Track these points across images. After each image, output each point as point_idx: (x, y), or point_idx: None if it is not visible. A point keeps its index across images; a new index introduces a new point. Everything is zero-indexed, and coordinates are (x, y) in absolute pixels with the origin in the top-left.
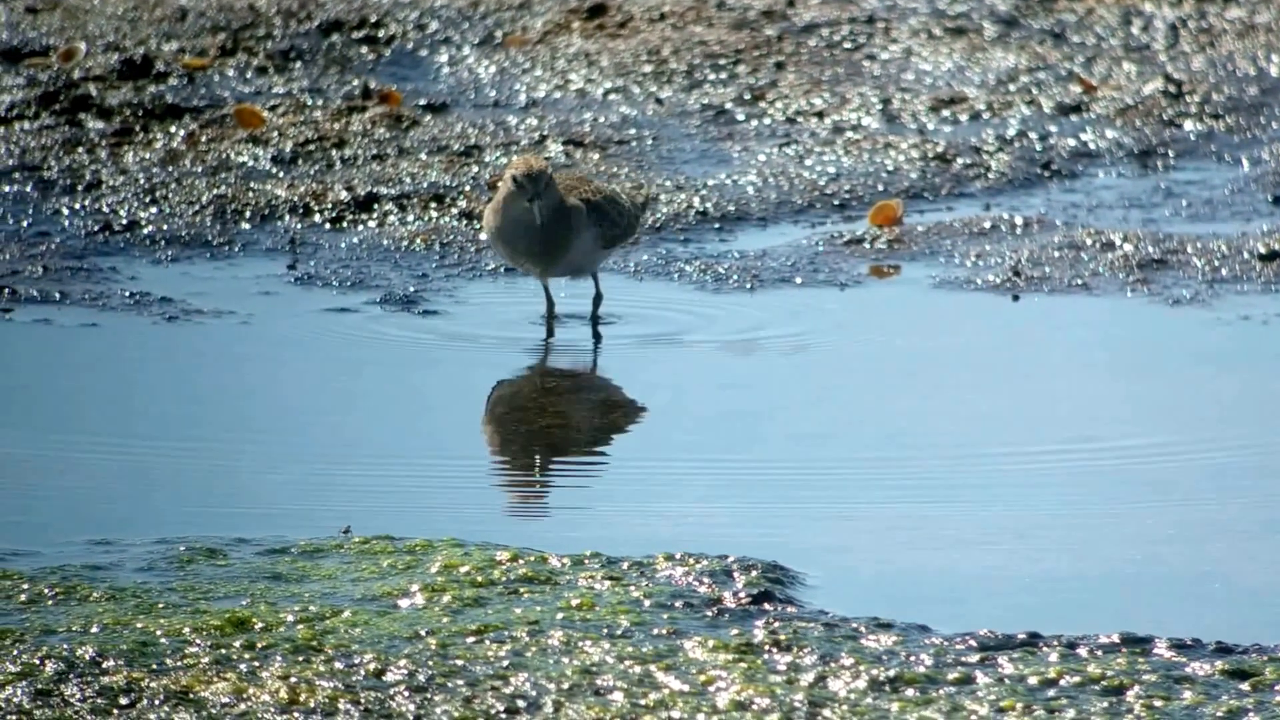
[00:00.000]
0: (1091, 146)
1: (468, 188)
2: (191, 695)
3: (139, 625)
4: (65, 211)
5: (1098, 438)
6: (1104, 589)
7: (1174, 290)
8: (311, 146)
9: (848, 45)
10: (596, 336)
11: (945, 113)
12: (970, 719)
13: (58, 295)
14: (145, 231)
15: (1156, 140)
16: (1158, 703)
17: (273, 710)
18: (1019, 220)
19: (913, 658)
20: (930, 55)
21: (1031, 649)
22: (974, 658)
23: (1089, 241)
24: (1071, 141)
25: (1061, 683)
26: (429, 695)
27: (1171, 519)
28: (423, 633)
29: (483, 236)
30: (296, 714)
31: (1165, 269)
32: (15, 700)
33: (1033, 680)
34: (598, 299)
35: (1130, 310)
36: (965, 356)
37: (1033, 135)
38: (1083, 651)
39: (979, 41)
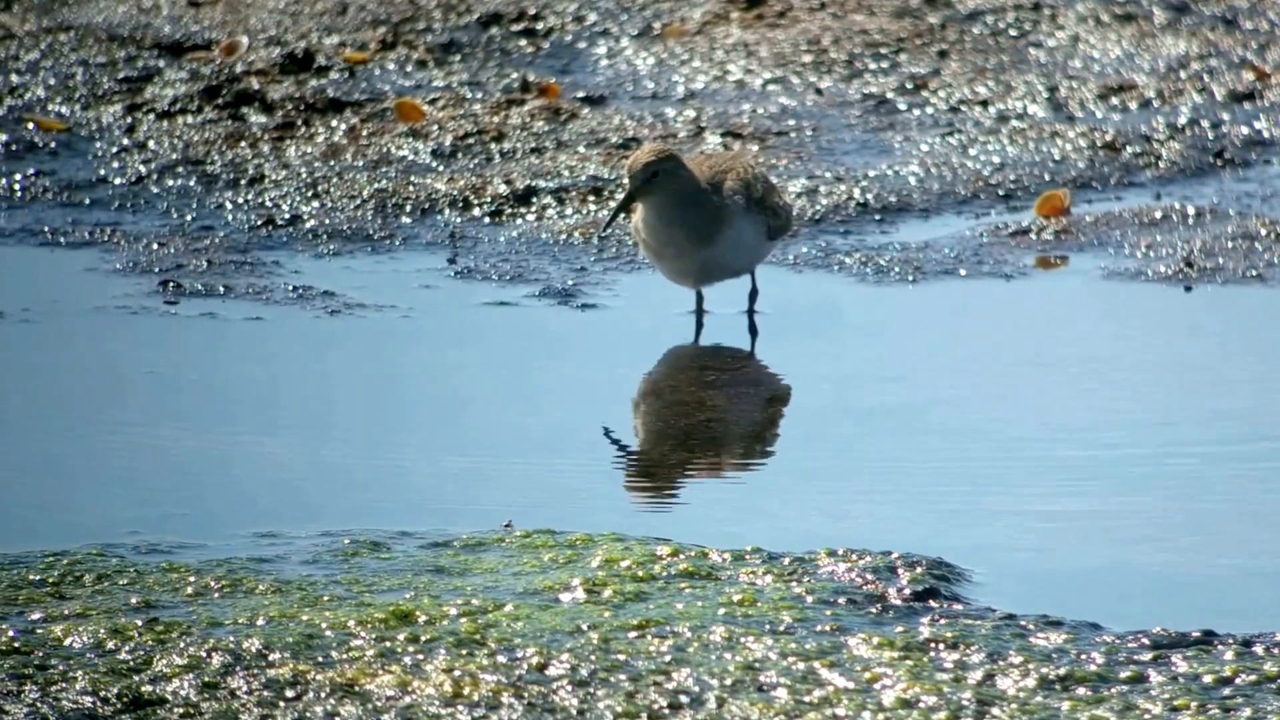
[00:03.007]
0: (1265, 135)
1: (625, 180)
2: (356, 688)
3: (304, 618)
4: (228, 205)
5: (1275, 432)
6: None
7: None
8: (471, 140)
9: (1013, 32)
10: (753, 331)
11: (1114, 100)
12: (1143, 718)
13: (222, 289)
14: (307, 225)
15: None
16: None
17: (437, 703)
18: (1191, 210)
19: (1084, 656)
20: (1098, 42)
21: (1206, 647)
22: (1147, 656)
23: (1263, 231)
24: (1244, 129)
25: (1237, 681)
26: (591, 690)
27: None
28: (584, 627)
29: (630, 239)
30: (460, 707)
31: None
32: (183, 693)
33: (1207, 679)
34: (754, 294)
35: None
36: (1137, 349)
37: (1204, 123)
38: (1259, 649)
39: (1148, 28)
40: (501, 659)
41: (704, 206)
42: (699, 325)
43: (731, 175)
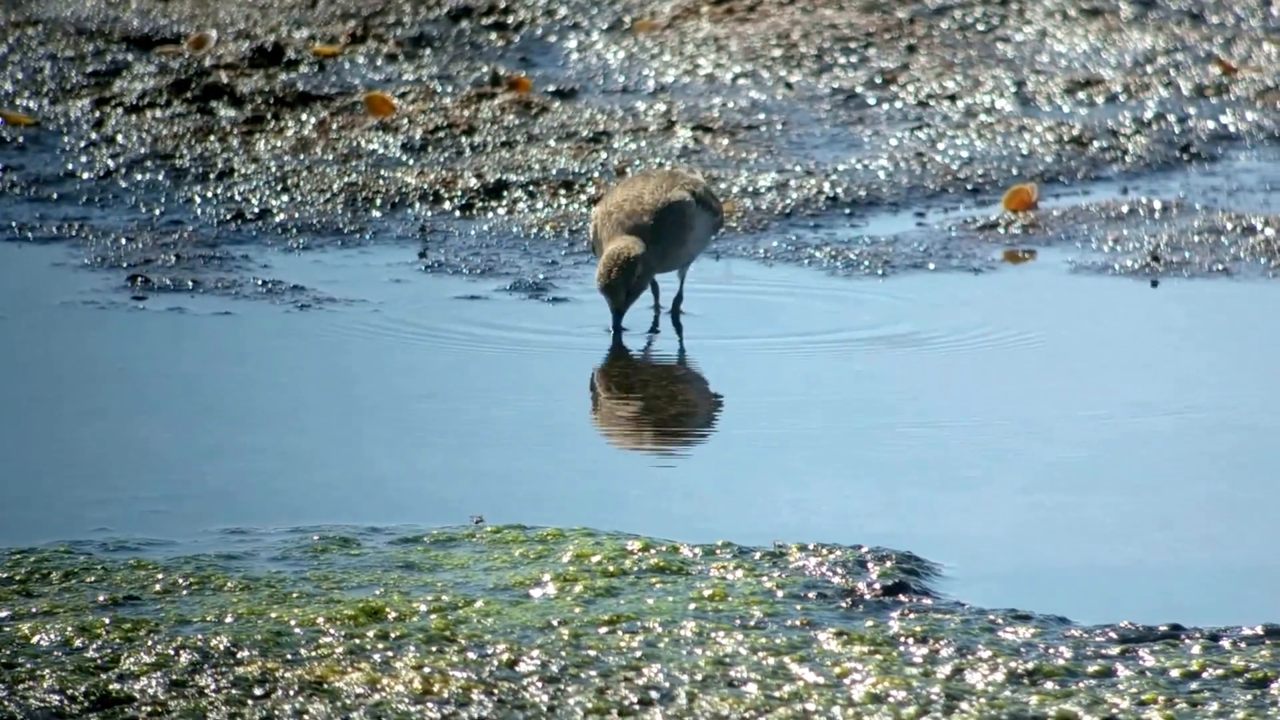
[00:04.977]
0: (1231, 129)
1: (597, 174)
2: (325, 685)
3: (273, 615)
4: (197, 200)
5: (1242, 425)
6: (1248, 580)
7: None
8: (441, 134)
9: (981, 27)
10: (678, 327)
11: (1081, 95)
12: (1111, 711)
13: (190, 284)
14: (277, 220)
15: None
16: None
17: (406, 701)
18: (1157, 204)
19: (1052, 650)
20: (1065, 36)
21: (1173, 641)
22: (1114, 650)
23: (1229, 226)
24: (1210, 124)
25: (1204, 675)
26: (562, 686)
27: None
28: (555, 623)
29: (585, 242)
30: (430, 705)
31: None
32: (150, 691)
33: (1175, 673)
34: (679, 298)
35: (1272, 295)
36: (1104, 343)
37: (1171, 117)
38: (1226, 644)
39: (1115, 22)
40: (471, 655)
41: (672, 227)
42: (655, 323)
43: (680, 184)
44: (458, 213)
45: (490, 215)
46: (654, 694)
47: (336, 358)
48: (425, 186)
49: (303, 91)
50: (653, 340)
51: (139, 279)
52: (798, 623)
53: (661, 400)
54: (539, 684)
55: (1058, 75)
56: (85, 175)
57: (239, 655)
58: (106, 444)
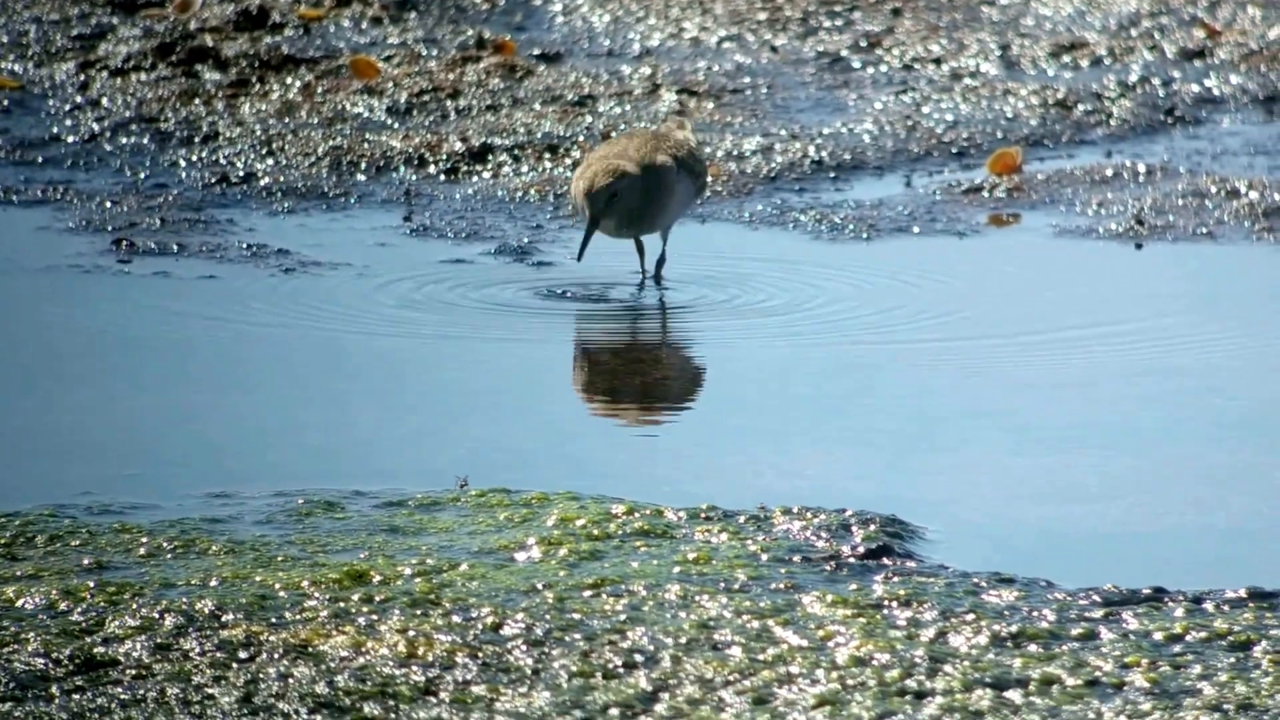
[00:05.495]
0: (1215, 92)
1: (581, 138)
2: (310, 648)
3: (258, 578)
4: (182, 163)
5: (1225, 389)
6: (1231, 543)
7: None
8: (426, 97)
9: None
10: (662, 291)
11: (1066, 58)
12: (1095, 674)
13: (175, 247)
14: (262, 183)
15: None
16: None
17: (391, 663)
18: (1142, 168)
19: (1035, 613)
20: (1050, 0)
21: (1157, 604)
22: (1098, 613)
23: (1213, 189)
24: (1195, 87)
25: (1187, 638)
26: (546, 649)
27: None
28: (539, 586)
29: (569, 206)
30: (415, 667)
31: None
32: (135, 655)
33: (1158, 636)
34: (662, 260)
35: (1256, 258)
36: (1088, 307)
37: (1155, 81)
38: (1209, 606)
39: None
40: (456, 619)
41: (651, 190)
42: (641, 284)
43: (664, 147)
44: (442, 176)
45: (475, 179)
46: (638, 657)
47: (320, 321)
48: (410, 150)
49: (288, 55)
50: (637, 304)
51: (124, 242)
52: (782, 586)
53: (646, 364)
54: (523, 647)
55: (1042, 39)
56: (70, 139)
57: (224, 619)
58: (91, 407)
